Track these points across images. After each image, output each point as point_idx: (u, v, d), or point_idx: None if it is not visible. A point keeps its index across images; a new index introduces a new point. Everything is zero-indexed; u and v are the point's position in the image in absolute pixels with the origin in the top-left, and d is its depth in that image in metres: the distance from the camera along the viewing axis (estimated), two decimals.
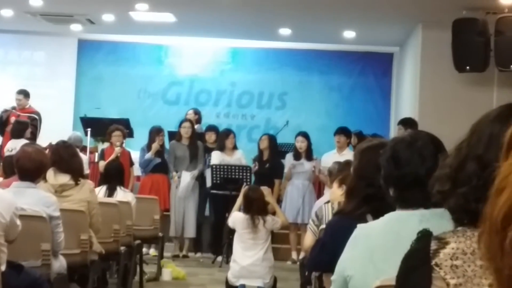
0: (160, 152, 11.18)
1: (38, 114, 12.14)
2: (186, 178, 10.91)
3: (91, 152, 12.08)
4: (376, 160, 3.41)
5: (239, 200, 8.55)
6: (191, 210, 11.07)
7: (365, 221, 3.15)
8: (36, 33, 14.13)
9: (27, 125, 11.23)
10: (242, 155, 11.22)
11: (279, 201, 10.73)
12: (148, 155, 11.09)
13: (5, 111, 12.11)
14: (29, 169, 5.52)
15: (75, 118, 13.93)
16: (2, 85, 13.52)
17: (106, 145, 11.56)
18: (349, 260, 2.80)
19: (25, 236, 4.94)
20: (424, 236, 1.90)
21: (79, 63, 14.76)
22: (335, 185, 5.31)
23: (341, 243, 2.96)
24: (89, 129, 11.96)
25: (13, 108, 12.16)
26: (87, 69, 14.80)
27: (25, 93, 12.31)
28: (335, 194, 5.20)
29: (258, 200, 8.40)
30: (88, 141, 11.96)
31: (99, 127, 11.98)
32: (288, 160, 11.14)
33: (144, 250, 10.69)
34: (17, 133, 10.87)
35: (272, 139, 11.53)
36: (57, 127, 12.84)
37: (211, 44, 14.70)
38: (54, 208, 5.55)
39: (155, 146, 11.05)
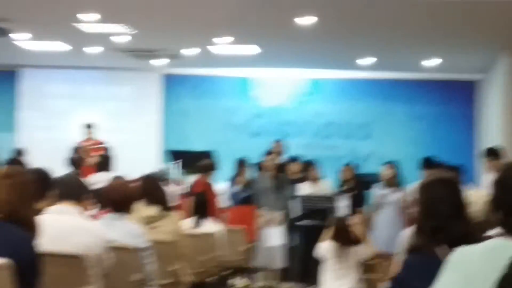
0: (246, 184, 11.23)
1: (104, 145, 12.47)
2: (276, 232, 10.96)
3: (179, 185, 12.19)
4: (437, 194, 3.51)
5: (328, 230, 8.52)
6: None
7: (435, 255, 3.18)
8: (123, 69, 14.47)
9: (110, 158, 11.44)
10: (328, 185, 11.17)
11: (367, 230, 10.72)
12: (236, 189, 11.15)
13: (78, 148, 12.41)
14: (117, 201, 5.62)
15: (163, 151, 14.14)
16: (91, 120, 13.81)
17: (194, 177, 11.69)
18: (444, 285, 2.75)
19: (116, 267, 5.00)
20: None
21: (165, 97, 15.04)
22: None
23: (417, 281, 2.95)
24: (176, 162, 12.08)
25: (81, 143, 12.47)
26: (173, 103, 15.08)
27: (89, 126, 12.65)
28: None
29: (347, 229, 8.36)
30: (176, 173, 12.09)
31: (186, 160, 12.14)
32: (376, 190, 11.08)
33: (234, 280, 10.74)
34: (103, 167, 11.01)
35: (353, 168, 11.51)
36: (145, 161, 13.08)
37: (294, 75, 14.79)
38: (143, 239, 5.62)
39: (242, 179, 11.11)
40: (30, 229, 4.09)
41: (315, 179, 11.03)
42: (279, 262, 11.09)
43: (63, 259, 4.63)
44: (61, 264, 4.62)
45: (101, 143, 12.61)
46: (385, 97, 14.59)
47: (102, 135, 12.84)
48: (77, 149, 12.43)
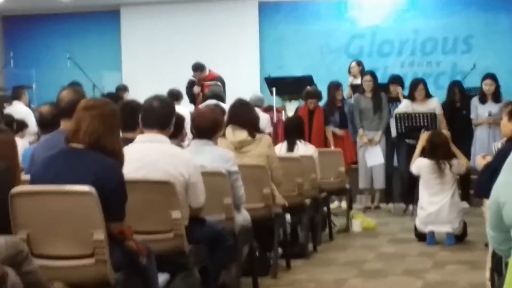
0: (340, 108, 11.24)
1: (219, 78, 12.46)
2: (377, 151, 10.91)
3: (279, 111, 12.26)
4: None
5: (419, 147, 8.50)
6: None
7: None
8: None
9: (218, 90, 11.43)
10: (437, 104, 10.81)
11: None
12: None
13: (192, 84, 12.56)
14: (205, 127, 5.74)
15: (261, 79, 14.22)
16: (193, 52, 13.97)
17: (295, 103, 11.79)
18: (503, 186, 2.73)
19: (207, 191, 5.10)
20: None
21: (261, 25, 15.08)
22: (504, 118, 5.12)
23: None
24: (274, 89, 12.11)
25: (193, 82, 12.58)
26: (269, 31, 15.11)
27: (197, 68, 12.59)
28: (505, 127, 5.02)
29: (443, 145, 8.33)
30: (274, 100, 12.14)
31: (283, 86, 12.14)
32: (473, 104, 10.86)
33: (336, 203, 10.85)
34: (209, 97, 11.09)
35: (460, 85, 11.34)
36: (245, 89, 13.12)
37: None
38: (232, 163, 5.73)
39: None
40: (115, 157, 4.27)
41: (421, 99, 10.74)
42: (380, 183, 11.08)
43: (152, 185, 4.79)
44: (150, 190, 4.78)
45: (215, 78, 12.58)
46: (487, 7, 14.10)
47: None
48: (192, 84, 12.59)
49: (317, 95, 11.04)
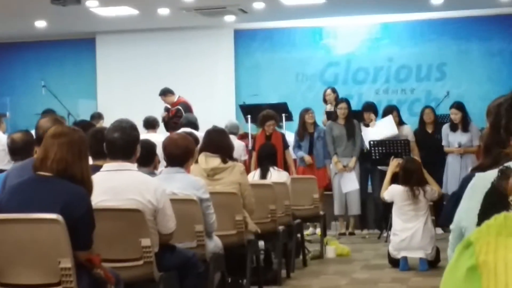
0: (311, 134, 11.27)
1: (183, 104, 12.55)
2: (352, 177, 10.93)
3: (254, 138, 12.26)
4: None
5: (389, 173, 8.55)
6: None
7: None
8: (193, 28, 14.59)
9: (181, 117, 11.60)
10: (409, 131, 11.00)
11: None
12: (301, 154, 11.16)
13: (166, 109, 12.69)
14: (176, 155, 5.74)
15: (236, 107, 14.25)
16: (169, 80, 13.95)
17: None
18: (465, 210, 2.77)
19: (179, 219, 5.10)
20: (504, 173, 1.87)
21: (237, 53, 15.12)
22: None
23: None
24: (249, 116, 12.15)
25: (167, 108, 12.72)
26: (244, 58, 15.14)
27: (162, 93, 12.79)
28: None
29: (416, 171, 8.37)
30: (249, 127, 12.18)
31: (258, 113, 12.14)
32: (444, 131, 10.93)
33: (311, 230, 10.85)
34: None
35: (434, 111, 11.48)
36: (220, 116, 13.16)
37: (365, 21, 14.61)
38: (204, 190, 5.73)
39: (307, 159, 11.10)
40: (83, 185, 4.25)
41: (396, 124, 10.88)
42: (355, 209, 11.09)
43: (121, 213, 4.78)
44: (119, 218, 4.77)
45: (179, 103, 12.65)
46: (459, 36, 14.26)
47: (177, 93, 12.93)
48: (167, 111, 12.70)
49: (274, 117, 10.92)
